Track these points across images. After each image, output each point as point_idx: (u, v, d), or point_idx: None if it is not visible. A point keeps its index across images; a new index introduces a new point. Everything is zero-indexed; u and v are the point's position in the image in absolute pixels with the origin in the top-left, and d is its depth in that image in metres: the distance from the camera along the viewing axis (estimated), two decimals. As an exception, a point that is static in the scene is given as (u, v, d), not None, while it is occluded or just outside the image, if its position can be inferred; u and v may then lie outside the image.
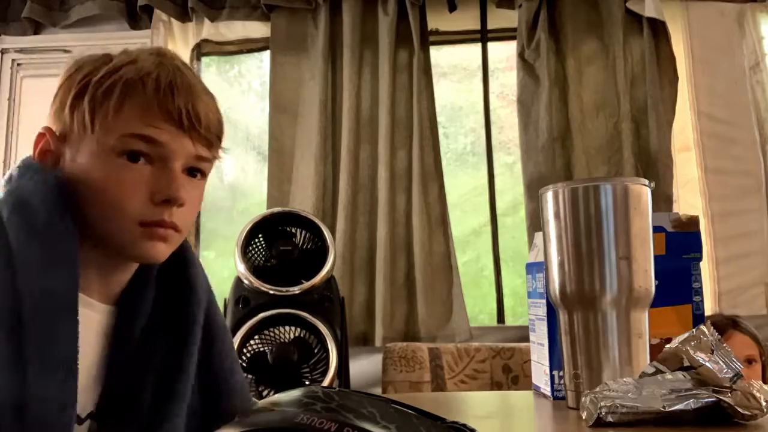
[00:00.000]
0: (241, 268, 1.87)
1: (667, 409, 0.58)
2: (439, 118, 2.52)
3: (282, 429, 0.42)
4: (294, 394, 0.45)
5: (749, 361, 1.74)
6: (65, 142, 0.73)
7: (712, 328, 0.65)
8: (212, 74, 2.81)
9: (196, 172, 0.76)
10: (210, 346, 0.82)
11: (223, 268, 2.61)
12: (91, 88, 0.71)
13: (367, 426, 0.42)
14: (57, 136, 0.74)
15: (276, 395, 0.47)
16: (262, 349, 1.82)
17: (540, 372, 0.86)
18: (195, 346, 0.79)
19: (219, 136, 0.78)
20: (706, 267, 2.31)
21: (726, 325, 1.80)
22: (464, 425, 0.46)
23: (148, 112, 0.71)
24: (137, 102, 0.71)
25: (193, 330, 0.79)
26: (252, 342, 1.83)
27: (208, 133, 0.75)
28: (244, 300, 1.86)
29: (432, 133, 2.46)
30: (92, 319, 0.73)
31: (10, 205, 0.69)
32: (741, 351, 1.75)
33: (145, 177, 0.71)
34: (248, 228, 1.93)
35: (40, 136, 0.74)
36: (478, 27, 2.65)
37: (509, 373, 2.06)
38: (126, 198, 0.70)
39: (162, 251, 0.74)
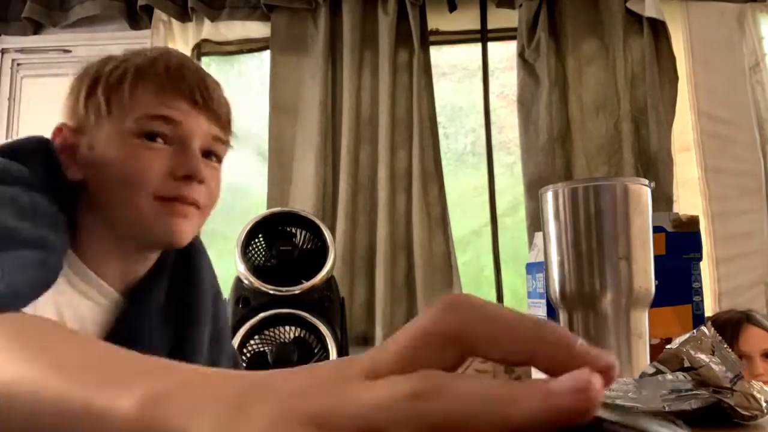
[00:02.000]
0: (241, 268, 1.87)
1: (667, 409, 0.58)
2: (439, 118, 2.52)
3: None
4: None
5: (766, 355, 1.72)
6: (81, 133, 0.74)
7: (713, 328, 0.65)
8: (212, 74, 2.80)
9: (212, 155, 0.77)
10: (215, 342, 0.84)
11: (223, 268, 2.61)
12: (104, 78, 0.73)
13: None
14: (72, 129, 0.75)
15: None
16: (262, 349, 1.82)
17: (540, 372, 0.86)
18: (206, 327, 0.80)
19: (229, 120, 0.79)
20: (706, 267, 2.31)
21: (740, 319, 1.79)
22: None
23: (162, 92, 0.72)
24: (151, 84, 0.72)
25: (202, 317, 0.80)
26: (252, 342, 1.83)
27: (221, 111, 0.76)
28: (244, 300, 1.86)
29: (432, 133, 2.46)
30: (99, 304, 0.74)
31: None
32: (758, 345, 1.74)
33: (164, 155, 0.72)
34: (248, 228, 1.93)
35: (57, 131, 0.76)
36: (478, 27, 2.64)
37: (511, 374, 2.06)
38: (144, 173, 0.71)
39: (184, 230, 0.74)
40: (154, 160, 0.72)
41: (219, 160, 0.79)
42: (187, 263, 0.82)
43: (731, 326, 1.78)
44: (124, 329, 0.74)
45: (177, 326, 0.78)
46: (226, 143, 0.79)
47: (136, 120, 0.71)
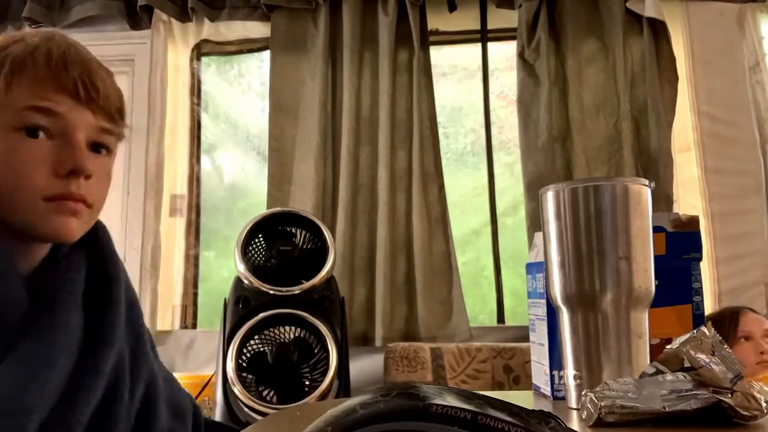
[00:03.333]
0: (241, 268, 1.87)
1: (667, 410, 0.58)
2: (439, 118, 2.52)
3: (416, 414, 0.42)
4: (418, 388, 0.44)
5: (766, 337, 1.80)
6: None
7: (713, 329, 0.65)
8: (212, 74, 2.81)
9: (101, 147, 0.75)
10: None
11: (223, 268, 2.62)
12: None
13: (494, 413, 0.41)
14: None
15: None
16: (262, 349, 1.82)
17: (540, 372, 0.86)
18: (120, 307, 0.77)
19: (120, 111, 0.76)
20: (706, 267, 2.31)
21: (740, 307, 1.90)
22: (549, 413, 0.46)
23: (42, 86, 0.69)
24: (29, 76, 0.69)
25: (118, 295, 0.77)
26: (252, 342, 1.83)
27: (107, 104, 0.73)
28: (244, 300, 1.86)
29: (432, 133, 2.46)
30: None
31: None
32: (759, 326, 1.83)
33: (47, 151, 0.69)
34: (248, 228, 1.93)
35: None
36: (478, 27, 2.65)
37: (510, 373, 2.06)
38: (28, 173, 0.68)
39: (74, 227, 0.72)
40: (37, 157, 0.69)
41: (109, 151, 0.76)
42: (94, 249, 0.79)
43: (730, 313, 1.87)
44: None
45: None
46: (117, 134, 0.76)
47: (14, 114, 0.68)
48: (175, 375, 0.93)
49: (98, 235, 0.79)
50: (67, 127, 0.70)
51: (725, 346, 0.63)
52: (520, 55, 2.48)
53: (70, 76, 0.70)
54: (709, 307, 2.24)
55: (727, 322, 1.88)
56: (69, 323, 0.69)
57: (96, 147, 0.74)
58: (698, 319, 0.84)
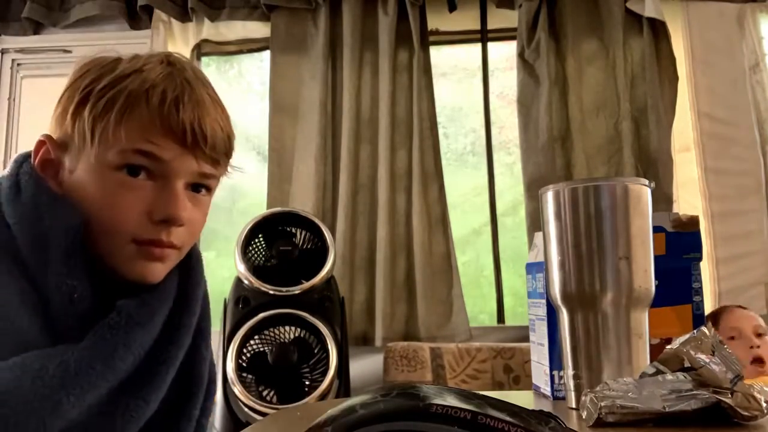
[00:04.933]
0: (241, 268, 1.87)
1: (668, 410, 0.58)
2: (439, 118, 2.52)
3: (416, 414, 0.42)
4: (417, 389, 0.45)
5: (758, 335, 1.78)
6: (65, 150, 0.70)
7: (713, 329, 0.65)
8: (212, 74, 2.81)
9: (201, 187, 0.74)
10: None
11: (223, 268, 2.61)
12: (94, 98, 0.68)
13: (494, 413, 0.41)
14: (57, 144, 0.71)
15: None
16: (262, 349, 1.82)
17: (540, 372, 0.86)
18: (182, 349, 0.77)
19: (227, 154, 0.74)
20: (706, 267, 2.31)
21: (723, 307, 1.89)
22: (549, 413, 0.46)
23: (150, 128, 0.68)
24: (140, 116, 0.67)
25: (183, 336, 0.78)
26: (252, 342, 1.83)
27: (213, 151, 0.71)
28: (244, 300, 1.86)
29: (432, 133, 2.46)
30: None
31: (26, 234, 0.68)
32: (750, 322, 1.81)
33: (145, 193, 0.69)
34: (248, 228, 1.93)
35: (40, 143, 0.72)
36: (478, 27, 2.65)
37: (510, 373, 2.06)
38: (122, 214, 0.68)
39: (158, 271, 0.71)
40: (133, 200, 0.68)
41: (209, 190, 0.76)
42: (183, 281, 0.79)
43: (710, 314, 1.87)
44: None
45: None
46: (219, 176, 0.75)
47: (117, 153, 0.67)
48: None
49: (191, 263, 0.80)
50: (169, 172, 0.69)
51: (725, 346, 0.63)
52: (520, 55, 2.48)
53: (180, 121, 0.68)
54: (709, 307, 2.24)
55: (716, 313, 1.88)
56: (129, 345, 0.69)
57: (196, 187, 0.73)
58: (698, 319, 0.84)
